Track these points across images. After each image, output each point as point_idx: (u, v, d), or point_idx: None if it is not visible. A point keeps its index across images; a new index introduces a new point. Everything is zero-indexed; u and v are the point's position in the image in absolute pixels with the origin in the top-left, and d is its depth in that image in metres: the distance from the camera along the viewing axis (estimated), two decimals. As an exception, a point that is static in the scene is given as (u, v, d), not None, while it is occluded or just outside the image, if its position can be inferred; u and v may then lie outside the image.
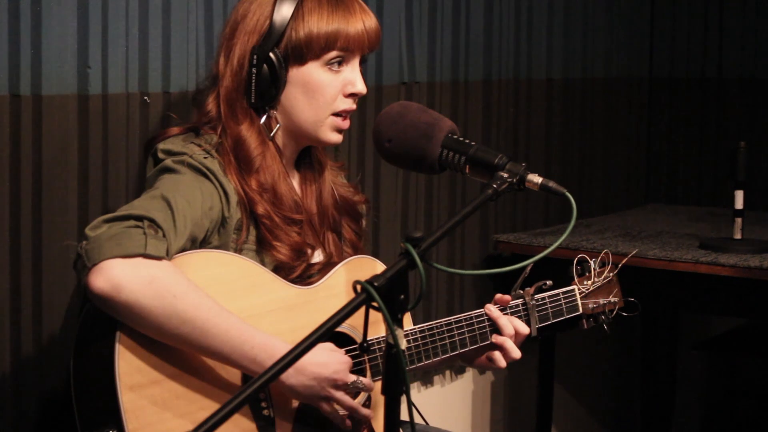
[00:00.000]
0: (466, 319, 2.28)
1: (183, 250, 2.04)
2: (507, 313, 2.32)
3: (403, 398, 1.62)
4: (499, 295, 2.33)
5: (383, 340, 2.14)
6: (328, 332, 1.51)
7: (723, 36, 4.19)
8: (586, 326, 2.47)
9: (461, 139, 1.97)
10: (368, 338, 1.70)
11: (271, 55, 2.18)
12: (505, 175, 1.86)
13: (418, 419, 2.40)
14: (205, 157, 2.14)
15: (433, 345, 2.25)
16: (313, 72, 2.20)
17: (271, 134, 2.22)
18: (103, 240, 1.91)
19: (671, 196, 4.29)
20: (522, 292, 2.36)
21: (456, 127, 2.00)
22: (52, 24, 2.24)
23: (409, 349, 2.21)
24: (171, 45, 2.47)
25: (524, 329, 2.31)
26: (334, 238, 2.32)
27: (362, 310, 1.55)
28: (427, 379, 3.44)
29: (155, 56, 2.44)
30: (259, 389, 1.45)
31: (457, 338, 2.27)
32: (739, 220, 3.28)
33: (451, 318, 2.27)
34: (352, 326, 2.17)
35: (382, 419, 1.64)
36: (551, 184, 1.86)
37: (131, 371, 1.96)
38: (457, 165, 1.96)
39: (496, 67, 3.51)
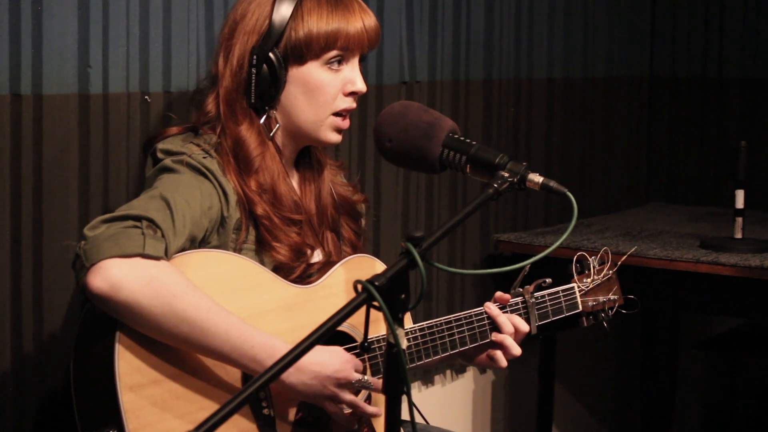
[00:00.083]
0: (465, 318, 2.28)
1: (182, 249, 2.04)
2: (507, 312, 2.32)
3: (404, 397, 1.62)
4: (499, 294, 2.33)
5: (383, 339, 2.14)
6: (329, 331, 1.51)
7: (723, 36, 4.19)
8: (586, 324, 2.47)
9: (462, 138, 1.97)
10: (368, 337, 1.69)
11: (271, 55, 2.18)
12: (506, 174, 1.86)
13: (418, 419, 2.40)
14: (204, 157, 2.14)
15: (433, 343, 2.25)
16: (313, 71, 2.20)
17: (271, 134, 2.22)
18: (101, 240, 1.91)
19: (672, 196, 4.29)
20: (522, 290, 2.36)
21: (457, 127, 2.00)
22: (52, 23, 2.24)
23: (409, 347, 2.21)
24: (172, 44, 2.47)
25: (524, 327, 2.31)
26: (333, 238, 2.32)
27: (362, 309, 1.55)
28: (427, 379, 3.44)
29: (156, 56, 2.44)
30: (260, 389, 1.45)
31: (456, 336, 2.27)
32: (739, 220, 3.28)
33: (451, 316, 2.27)
34: (352, 325, 2.17)
35: (382, 419, 1.64)
36: (552, 183, 1.86)
37: (131, 371, 1.96)
38: (457, 164, 1.96)
39: (496, 67, 3.51)
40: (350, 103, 2.23)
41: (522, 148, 3.66)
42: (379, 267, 2.29)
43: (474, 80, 3.42)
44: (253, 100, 2.20)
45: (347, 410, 2.10)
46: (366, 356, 2.16)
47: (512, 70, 3.59)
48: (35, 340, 2.28)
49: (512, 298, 2.34)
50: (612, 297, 2.48)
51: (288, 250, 2.17)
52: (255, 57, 2.18)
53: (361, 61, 2.24)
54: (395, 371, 1.60)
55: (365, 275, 1.56)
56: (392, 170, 3.11)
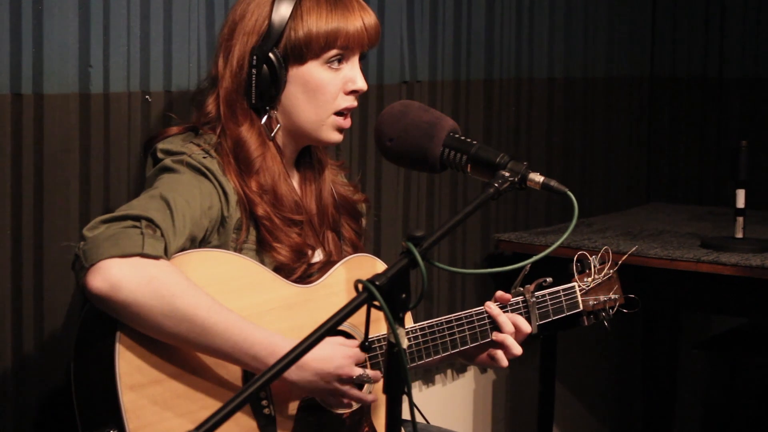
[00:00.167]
0: (466, 317, 2.28)
1: (182, 249, 2.04)
2: (507, 311, 2.32)
3: (405, 397, 1.62)
4: (499, 293, 2.33)
5: (384, 339, 2.14)
6: (330, 331, 1.51)
7: (724, 35, 4.19)
8: (586, 323, 2.47)
9: (463, 138, 1.97)
10: (369, 337, 1.69)
11: (271, 55, 2.17)
12: (507, 174, 1.86)
13: (419, 418, 2.40)
14: (204, 157, 2.14)
15: (433, 343, 2.25)
16: (313, 71, 2.19)
17: (272, 134, 2.22)
18: (100, 240, 1.91)
19: (672, 195, 4.29)
20: (522, 289, 2.36)
21: (457, 126, 2.00)
22: (53, 23, 2.24)
23: (409, 347, 2.21)
24: (172, 44, 2.47)
25: (526, 327, 2.31)
26: (333, 237, 2.31)
27: (363, 308, 1.55)
28: (428, 378, 3.44)
29: (157, 55, 2.44)
30: (261, 388, 1.45)
31: (457, 336, 2.27)
32: (740, 219, 3.28)
33: (452, 316, 2.27)
34: (353, 325, 2.17)
35: (383, 418, 1.64)
36: (553, 183, 1.86)
37: (131, 371, 1.96)
38: (458, 164, 1.96)
39: (497, 66, 3.51)
40: (351, 102, 2.23)
41: (522, 147, 3.66)
42: (380, 266, 2.29)
43: (475, 80, 3.42)
44: (253, 101, 2.20)
45: (347, 401, 2.10)
46: (367, 355, 2.16)
47: (513, 69, 3.59)
48: (36, 340, 2.28)
49: (513, 297, 2.34)
50: (613, 296, 2.48)
51: (289, 251, 2.17)
52: (255, 57, 2.18)
53: (361, 60, 2.24)
54: (396, 371, 1.60)
55: (366, 275, 1.56)
56: (393, 170, 3.11)
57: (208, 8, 2.55)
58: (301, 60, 2.19)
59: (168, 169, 2.11)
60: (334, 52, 2.19)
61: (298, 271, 2.18)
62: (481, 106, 3.46)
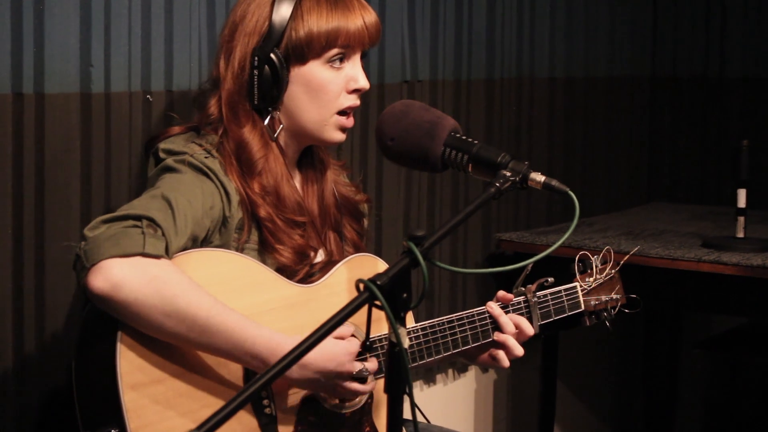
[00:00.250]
0: (468, 317, 2.28)
1: (184, 249, 2.04)
2: (509, 311, 2.32)
3: (406, 397, 1.62)
4: (501, 293, 2.33)
5: (385, 338, 2.14)
6: (331, 331, 1.51)
7: (725, 35, 4.19)
8: (588, 323, 2.47)
9: (464, 137, 1.97)
10: (370, 336, 1.70)
11: (272, 55, 2.17)
12: (508, 173, 1.86)
13: (420, 418, 2.40)
14: (206, 157, 2.14)
15: (435, 342, 2.25)
16: (315, 70, 2.19)
17: (275, 135, 2.21)
18: (101, 240, 1.91)
19: (674, 195, 4.29)
20: (524, 289, 2.36)
21: (458, 126, 2.00)
22: (54, 22, 2.24)
23: (410, 346, 2.21)
24: (173, 44, 2.47)
25: (529, 330, 2.30)
26: (335, 237, 2.31)
27: (364, 308, 1.55)
28: (429, 378, 3.44)
29: (158, 55, 2.44)
30: (263, 387, 1.45)
31: (459, 336, 2.27)
32: (741, 219, 3.28)
33: (453, 316, 2.27)
34: (354, 324, 2.17)
35: (384, 418, 1.64)
36: (554, 182, 1.86)
37: (133, 370, 1.96)
38: (459, 163, 1.96)
39: (498, 66, 3.51)
40: (354, 101, 2.23)
41: (524, 147, 3.66)
42: (381, 266, 2.29)
43: (476, 79, 3.42)
44: (256, 102, 2.19)
45: (348, 394, 2.11)
46: (368, 355, 2.16)
47: (514, 69, 3.59)
48: (37, 339, 2.28)
49: (514, 297, 2.33)
50: (614, 296, 2.47)
51: (291, 253, 2.17)
52: (256, 58, 2.17)
53: (362, 58, 2.24)
54: (397, 370, 1.60)
55: (367, 274, 1.56)
56: (394, 169, 3.11)
57: (209, 8, 2.55)
58: (303, 60, 2.19)
59: (170, 169, 2.11)
60: (335, 51, 2.19)
61: (300, 273, 2.18)
62: (483, 106, 3.46)
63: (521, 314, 2.33)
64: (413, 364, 2.23)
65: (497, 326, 2.29)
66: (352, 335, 2.13)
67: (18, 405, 2.26)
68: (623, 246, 3.27)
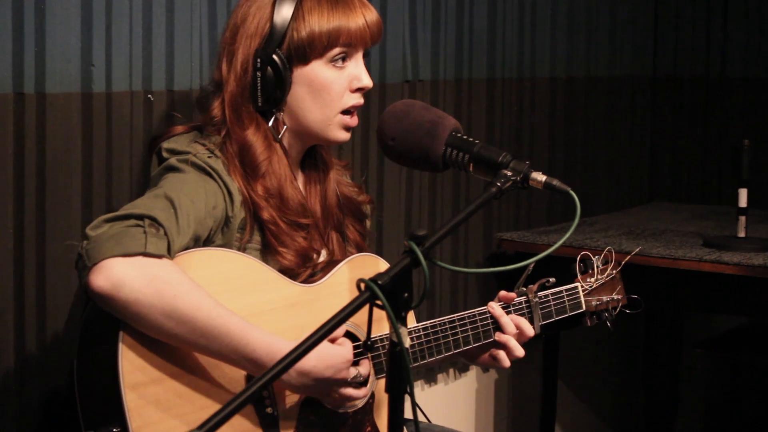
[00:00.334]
0: (469, 317, 2.28)
1: (186, 248, 2.03)
2: (510, 311, 2.32)
3: (407, 396, 1.62)
4: (503, 293, 2.33)
5: (386, 338, 2.14)
6: (332, 331, 1.51)
7: (726, 34, 4.19)
8: (589, 323, 2.47)
9: (465, 137, 1.97)
10: (371, 336, 1.69)
11: (275, 57, 2.17)
12: (509, 173, 1.86)
13: (421, 417, 2.40)
14: (209, 157, 2.14)
15: (436, 342, 2.24)
16: (318, 70, 2.19)
17: (279, 137, 2.21)
18: (103, 239, 1.91)
19: (675, 195, 4.29)
20: (525, 289, 2.35)
21: (460, 126, 2.00)
22: (55, 22, 2.24)
23: (411, 346, 2.21)
24: (175, 43, 2.47)
25: (529, 331, 2.30)
26: (337, 238, 2.31)
27: (366, 307, 1.55)
28: (430, 378, 3.44)
29: (159, 54, 2.44)
30: (262, 388, 1.45)
31: (460, 336, 2.27)
32: (743, 219, 3.28)
33: (454, 315, 2.27)
34: (355, 324, 2.17)
35: (386, 418, 1.64)
36: (555, 182, 1.86)
37: (134, 370, 1.96)
38: (460, 163, 1.96)
39: (499, 66, 3.51)
40: (357, 100, 2.23)
41: (525, 146, 3.66)
42: (383, 266, 2.29)
43: (477, 79, 3.42)
44: (259, 104, 2.19)
45: (344, 399, 2.11)
46: (369, 355, 2.16)
47: (515, 69, 3.59)
48: (38, 339, 2.28)
49: (516, 297, 2.33)
50: (615, 297, 2.47)
51: (294, 255, 2.17)
52: (259, 60, 2.17)
53: (365, 57, 2.24)
54: (398, 370, 1.60)
55: (369, 274, 1.56)
56: (395, 169, 3.11)
57: (210, 7, 2.55)
58: (305, 60, 2.18)
59: (173, 169, 2.11)
60: (337, 50, 2.19)
61: (303, 276, 2.18)
62: (484, 105, 3.46)
63: (522, 314, 2.33)
64: (414, 364, 2.23)
65: (498, 326, 2.29)
66: (346, 334, 2.13)
67: (19, 404, 2.26)
68: (624, 245, 3.27)
